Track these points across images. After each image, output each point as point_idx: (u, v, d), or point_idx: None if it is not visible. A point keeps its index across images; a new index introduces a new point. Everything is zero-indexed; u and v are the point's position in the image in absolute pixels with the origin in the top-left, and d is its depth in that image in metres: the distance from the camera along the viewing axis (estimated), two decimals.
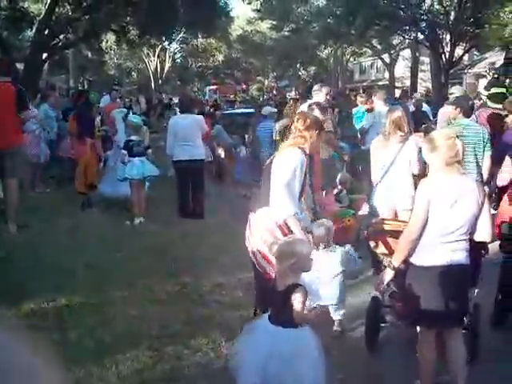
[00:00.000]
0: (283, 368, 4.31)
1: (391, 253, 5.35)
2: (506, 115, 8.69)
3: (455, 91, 11.14)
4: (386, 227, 5.92)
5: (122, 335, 5.75)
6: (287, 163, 5.57)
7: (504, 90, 11.84)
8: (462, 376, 4.94)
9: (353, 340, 6.23)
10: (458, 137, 4.86)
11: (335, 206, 8.28)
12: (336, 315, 6.35)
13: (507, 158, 7.14)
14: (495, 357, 5.89)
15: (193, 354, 5.48)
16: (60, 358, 1.49)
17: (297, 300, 4.24)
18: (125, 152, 10.55)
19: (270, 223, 5.57)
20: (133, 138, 10.61)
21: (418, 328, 5.08)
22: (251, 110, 19.27)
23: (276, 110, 14.86)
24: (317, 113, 7.12)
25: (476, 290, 5.64)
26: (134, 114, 13.73)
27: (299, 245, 4.52)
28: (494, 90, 11.79)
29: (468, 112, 8.18)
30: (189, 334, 5.82)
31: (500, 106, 10.35)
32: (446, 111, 11.09)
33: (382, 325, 6.03)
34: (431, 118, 14.51)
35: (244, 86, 38.68)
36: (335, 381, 5.30)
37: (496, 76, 14.15)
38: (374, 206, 7.46)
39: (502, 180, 7.42)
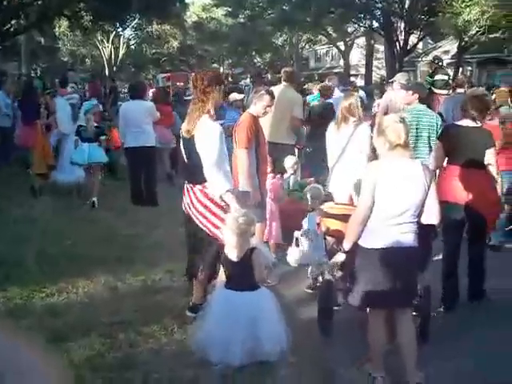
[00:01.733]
0: (245, 330, 4.77)
1: (341, 236, 5.40)
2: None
3: (399, 78, 11.22)
4: (336, 211, 5.97)
5: (73, 323, 5.71)
6: (212, 141, 5.65)
7: (447, 78, 12.23)
8: (412, 358, 5.01)
9: (306, 323, 6.25)
10: (403, 121, 4.91)
11: (281, 190, 8.32)
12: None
13: None
14: (446, 338, 6.01)
15: (145, 341, 5.46)
16: None
17: (257, 262, 4.86)
18: (77, 137, 10.78)
19: (205, 199, 5.76)
20: (83, 123, 10.84)
21: (368, 310, 5.13)
22: None
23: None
24: (267, 99, 7.16)
25: (426, 273, 5.73)
26: (86, 100, 13.58)
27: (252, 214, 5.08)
28: (437, 77, 12.12)
29: (424, 98, 8.28)
30: (141, 320, 5.79)
31: (444, 92, 10.69)
32: (388, 96, 11.28)
33: (335, 308, 6.06)
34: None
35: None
36: (288, 364, 5.35)
37: (440, 64, 14.53)
38: (330, 191, 7.50)
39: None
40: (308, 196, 7.01)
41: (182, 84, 20.90)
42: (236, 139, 6.96)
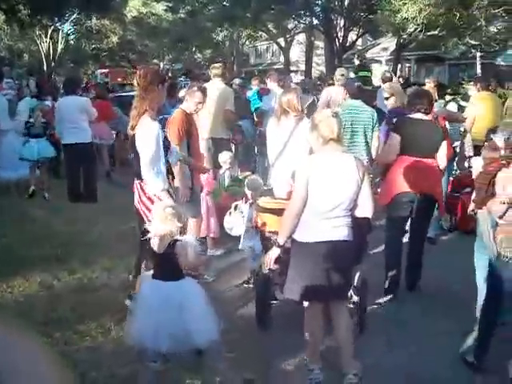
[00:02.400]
0: (171, 318, 4.80)
1: (276, 231, 5.45)
2: (387, 98, 9.05)
3: (338, 73, 11.44)
4: (270, 206, 6.01)
5: (7, 324, 5.59)
6: (148, 140, 5.65)
7: (369, 74, 12.66)
8: (348, 349, 5.09)
9: (243, 318, 6.29)
10: (336, 115, 4.98)
11: (213, 185, 8.38)
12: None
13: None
14: (383, 329, 6.13)
15: (81, 339, 5.40)
16: None
17: (181, 252, 4.94)
18: (26, 132, 11.10)
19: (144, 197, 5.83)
20: (30, 120, 11.13)
21: (305, 304, 5.19)
22: None
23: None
24: (198, 95, 7.21)
25: (362, 266, 5.83)
26: (24, 97, 13.35)
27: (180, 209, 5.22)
28: (361, 74, 12.52)
29: (354, 94, 8.39)
30: (77, 318, 5.73)
31: (367, 87, 11.08)
32: (329, 91, 11.46)
33: (273, 302, 6.10)
34: None
35: (134, 70, 38.33)
36: (225, 359, 5.38)
37: (363, 61, 15.31)
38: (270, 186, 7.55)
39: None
40: (246, 187, 7.08)
41: (121, 80, 20.71)
42: (168, 135, 6.94)
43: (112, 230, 8.45)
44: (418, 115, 7.02)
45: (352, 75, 14.05)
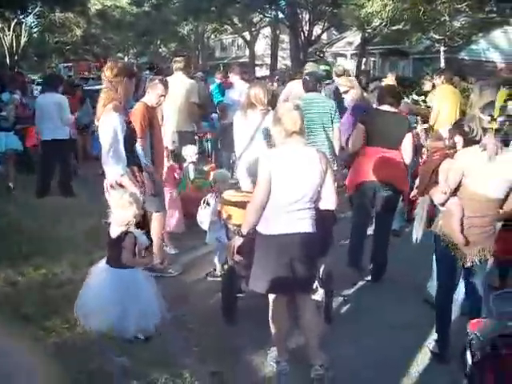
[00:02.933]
0: (115, 302, 5.16)
1: (241, 224, 5.49)
2: (346, 91, 9.18)
3: (308, 68, 11.55)
4: (235, 199, 6.04)
5: None
6: (106, 129, 5.82)
7: (328, 68, 12.97)
8: (314, 340, 5.14)
9: (210, 311, 6.31)
10: (298, 108, 5.01)
11: (175, 179, 8.39)
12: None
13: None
14: (349, 320, 6.23)
15: (48, 335, 5.35)
16: None
17: (127, 247, 5.21)
18: None
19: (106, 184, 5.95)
20: (2, 113, 11.30)
21: (269, 296, 5.22)
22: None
23: None
24: (160, 88, 7.24)
25: (327, 258, 5.89)
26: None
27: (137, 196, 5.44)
28: (322, 68, 12.80)
29: (309, 87, 8.46)
30: (43, 314, 5.66)
31: (326, 81, 11.23)
32: (288, 87, 11.54)
33: (239, 295, 6.12)
34: None
35: (98, 64, 37.82)
36: (191, 353, 5.40)
37: (321, 56, 15.89)
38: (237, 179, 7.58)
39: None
40: (213, 180, 7.10)
41: (85, 74, 20.52)
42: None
43: (78, 225, 8.37)
44: (385, 107, 7.24)
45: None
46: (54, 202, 10.10)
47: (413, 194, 6.72)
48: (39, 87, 19.79)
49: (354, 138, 7.43)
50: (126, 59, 52.15)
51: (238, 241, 5.38)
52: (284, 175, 4.85)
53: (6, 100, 11.66)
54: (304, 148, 4.97)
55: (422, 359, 5.54)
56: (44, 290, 6.24)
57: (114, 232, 5.33)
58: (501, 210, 5.24)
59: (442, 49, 27.24)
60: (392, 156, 7.11)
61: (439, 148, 5.90)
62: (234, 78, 12.31)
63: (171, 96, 8.03)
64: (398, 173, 7.17)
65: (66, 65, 43.82)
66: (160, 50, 58.15)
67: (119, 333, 5.17)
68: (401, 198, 7.72)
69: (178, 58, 10.78)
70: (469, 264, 5.28)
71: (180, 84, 9.87)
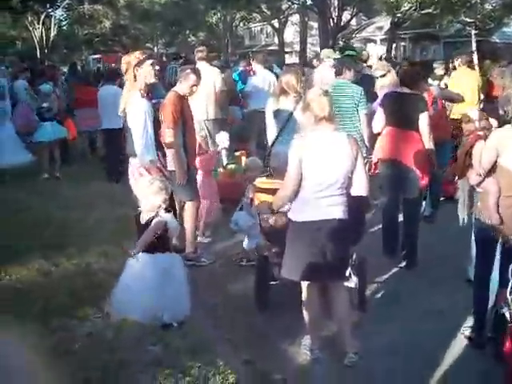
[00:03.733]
0: (152, 290, 5.16)
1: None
2: (383, 75, 9.08)
3: (324, 54, 11.69)
4: (266, 185, 5.99)
5: (5, 311, 5.56)
6: (137, 114, 5.95)
7: (354, 53, 13.04)
8: (347, 328, 5.11)
9: (242, 300, 6.29)
10: (327, 94, 4.94)
11: (212, 165, 8.33)
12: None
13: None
14: (383, 307, 6.17)
15: (80, 325, 5.37)
16: None
17: (149, 230, 5.27)
18: (37, 118, 11.88)
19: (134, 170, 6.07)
20: (44, 105, 11.94)
21: (302, 284, 5.18)
22: None
23: None
24: (193, 78, 7.19)
25: (361, 244, 5.83)
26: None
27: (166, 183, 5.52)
28: (347, 53, 12.88)
29: (340, 72, 8.37)
30: (76, 304, 5.70)
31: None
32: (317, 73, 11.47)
33: (271, 283, 6.08)
34: None
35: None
36: (224, 341, 5.38)
37: (346, 42, 15.78)
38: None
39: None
40: (245, 168, 7.06)
41: (113, 65, 20.58)
42: (162, 118, 6.89)
43: (109, 215, 8.42)
44: (404, 89, 7.36)
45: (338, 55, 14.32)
46: (86, 191, 10.17)
47: (451, 176, 6.70)
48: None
49: (375, 120, 7.58)
50: (155, 49, 52.29)
51: (271, 220, 5.42)
52: (314, 161, 4.80)
53: (47, 91, 12.20)
54: (334, 133, 4.91)
55: (458, 345, 5.45)
56: (77, 280, 6.28)
57: (144, 218, 5.38)
58: None
59: (473, 32, 26.84)
60: (406, 136, 7.19)
61: (471, 131, 5.84)
62: (257, 66, 12.30)
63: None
64: (413, 152, 7.16)
65: (94, 57, 44.08)
66: (189, 39, 58.13)
67: (153, 319, 5.18)
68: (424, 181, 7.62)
69: (200, 48, 10.95)
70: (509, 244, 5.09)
71: (205, 73, 9.88)
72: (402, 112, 7.24)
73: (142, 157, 5.85)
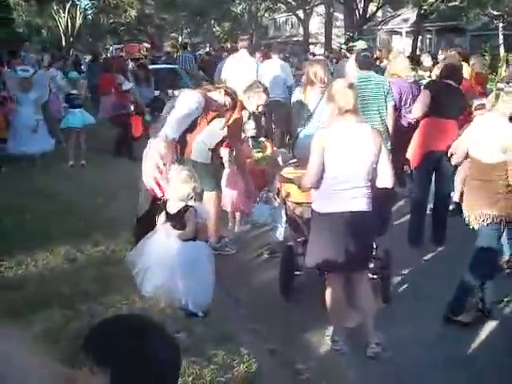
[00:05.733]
0: (179, 276, 5.23)
1: (299, 202, 5.49)
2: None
3: (357, 44, 11.68)
4: (292, 175, 6.00)
5: (32, 296, 5.61)
6: (187, 101, 5.90)
7: (366, 46, 13.50)
8: (370, 319, 5.12)
9: (268, 289, 6.32)
10: (351, 86, 4.93)
11: (250, 152, 8.28)
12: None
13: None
14: (408, 300, 6.16)
15: (106, 311, 5.40)
16: None
17: (190, 220, 5.31)
18: (66, 105, 12.33)
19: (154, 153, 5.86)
20: (73, 91, 12.28)
21: (326, 274, 5.19)
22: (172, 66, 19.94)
23: None
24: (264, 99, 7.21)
25: (386, 236, 5.84)
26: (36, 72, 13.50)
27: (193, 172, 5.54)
28: (352, 44, 13.06)
29: (363, 65, 8.37)
30: (102, 290, 5.73)
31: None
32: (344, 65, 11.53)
33: (297, 273, 6.09)
34: None
35: (148, 45, 38.24)
36: (248, 330, 5.40)
37: (351, 35, 16.16)
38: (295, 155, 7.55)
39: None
40: (279, 159, 7.04)
41: (136, 54, 20.80)
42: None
43: (134, 203, 8.44)
44: (450, 81, 7.47)
45: (343, 47, 14.77)
46: (110, 179, 10.21)
47: None
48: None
49: (420, 103, 7.57)
50: (179, 39, 52.34)
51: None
52: (337, 152, 4.81)
53: (76, 77, 12.72)
54: (357, 125, 4.91)
55: (483, 337, 5.44)
56: (102, 267, 6.33)
57: (175, 206, 5.42)
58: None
59: (501, 25, 26.60)
60: (449, 127, 7.25)
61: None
62: (274, 56, 12.43)
63: (239, 74, 8.14)
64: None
65: (117, 46, 44.29)
66: (214, 29, 58.16)
67: (179, 306, 5.24)
68: None
69: (244, 37, 11.64)
70: (476, 227, 5.51)
71: (246, 61, 10.10)
72: (447, 104, 7.32)
73: (168, 130, 5.80)
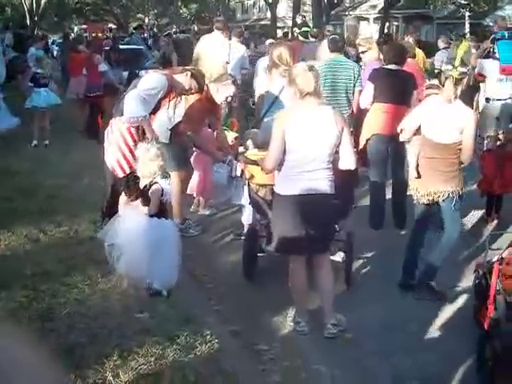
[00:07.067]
0: (146, 252, 5.21)
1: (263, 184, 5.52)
2: (364, 52, 9.29)
3: (330, 28, 11.91)
4: (255, 157, 6.01)
5: None
6: (151, 81, 6.01)
7: (308, 29, 14.22)
8: (329, 300, 5.18)
9: (231, 271, 6.35)
10: (312, 69, 4.95)
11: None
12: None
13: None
14: (370, 282, 6.22)
15: (69, 291, 5.37)
16: None
17: (154, 195, 5.30)
18: (31, 84, 11.96)
19: (122, 130, 6.02)
20: (38, 70, 12.10)
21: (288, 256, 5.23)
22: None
23: None
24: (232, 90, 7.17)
25: (349, 219, 5.90)
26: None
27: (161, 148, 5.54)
28: (303, 29, 13.42)
29: (333, 48, 8.44)
30: (64, 271, 5.69)
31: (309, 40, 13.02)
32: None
33: (260, 255, 6.12)
34: None
35: (113, 25, 37.99)
36: (212, 312, 5.42)
37: (304, 19, 16.59)
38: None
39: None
40: (249, 141, 7.02)
41: (99, 35, 20.55)
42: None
43: (97, 183, 8.38)
44: (392, 66, 7.53)
45: (297, 30, 15.28)
46: (75, 159, 10.12)
47: None
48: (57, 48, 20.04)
49: (366, 93, 7.72)
50: (146, 20, 51.87)
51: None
52: (298, 135, 4.85)
53: (41, 56, 12.70)
54: (318, 107, 4.93)
55: (445, 318, 5.53)
56: (65, 247, 6.28)
57: (142, 183, 5.43)
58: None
59: (467, 14, 26.86)
60: (397, 111, 7.24)
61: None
62: (234, 39, 12.49)
63: (211, 54, 8.19)
64: None
65: (81, 27, 43.80)
66: (181, 11, 57.69)
67: (144, 283, 5.23)
68: None
69: (219, 18, 12.27)
70: (425, 201, 5.79)
71: (219, 42, 10.28)
72: (392, 89, 7.40)
73: (136, 109, 5.81)
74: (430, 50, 17.35)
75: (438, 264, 5.81)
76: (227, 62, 10.36)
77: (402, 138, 6.27)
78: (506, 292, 4.53)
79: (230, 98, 7.20)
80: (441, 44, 13.04)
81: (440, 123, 5.60)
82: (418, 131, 5.87)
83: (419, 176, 5.79)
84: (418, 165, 5.79)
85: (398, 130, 6.16)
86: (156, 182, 5.37)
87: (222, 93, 7.00)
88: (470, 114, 5.74)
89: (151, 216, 5.34)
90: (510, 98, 9.43)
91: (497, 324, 4.47)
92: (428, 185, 5.72)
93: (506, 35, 9.63)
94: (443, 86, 5.70)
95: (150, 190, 5.35)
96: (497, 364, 4.28)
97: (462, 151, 5.59)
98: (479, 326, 4.82)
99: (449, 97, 5.57)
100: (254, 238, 6.11)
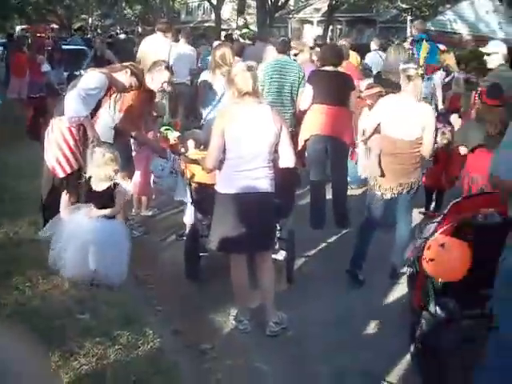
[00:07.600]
0: (96, 252, 5.23)
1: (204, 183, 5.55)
2: (296, 54, 9.50)
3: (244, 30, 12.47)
4: (195, 156, 6.04)
5: None
6: (90, 81, 5.98)
7: (248, 30, 13.90)
8: (270, 298, 5.24)
9: (173, 271, 6.35)
10: (251, 69, 5.01)
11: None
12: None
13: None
14: (311, 281, 6.29)
15: (9, 293, 5.31)
16: None
17: (121, 197, 5.44)
18: None
19: (63, 129, 5.98)
20: None
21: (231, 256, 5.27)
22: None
23: None
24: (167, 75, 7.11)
25: (290, 217, 5.96)
26: None
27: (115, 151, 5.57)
28: (244, 31, 13.72)
29: (280, 49, 8.59)
30: (4, 273, 5.62)
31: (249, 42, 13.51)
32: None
33: (202, 254, 6.13)
34: None
35: (56, 26, 37.48)
36: (154, 312, 5.42)
37: (245, 21, 17.37)
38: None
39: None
40: (189, 142, 6.99)
41: (42, 35, 20.26)
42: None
43: (37, 185, 8.25)
44: (329, 68, 7.69)
45: (238, 32, 15.51)
46: (16, 159, 9.95)
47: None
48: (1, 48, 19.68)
49: (306, 96, 7.78)
50: (90, 21, 51.28)
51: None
52: (237, 134, 4.91)
53: None
54: (257, 106, 5.01)
55: (386, 315, 5.64)
56: (5, 249, 6.18)
57: (99, 186, 5.43)
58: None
59: (409, 18, 27.32)
60: (335, 112, 7.49)
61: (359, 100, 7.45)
62: (182, 40, 12.70)
63: (153, 53, 8.19)
64: (342, 128, 7.56)
65: (22, 27, 43.13)
66: (125, 12, 57.16)
67: (91, 282, 5.26)
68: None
69: (163, 20, 12.75)
70: (388, 196, 6.01)
71: (161, 44, 10.31)
72: (330, 91, 7.54)
73: (76, 108, 5.79)
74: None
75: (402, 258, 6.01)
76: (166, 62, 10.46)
77: (362, 138, 6.48)
78: (425, 275, 4.57)
79: (165, 85, 7.15)
80: (373, 46, 13.30)
81: (401, 120, 5.80)
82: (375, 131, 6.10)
83: (383, 174, 5.96)
84: (379, 162, 5.95)
85: (360, 132, 6.40)
86: (119, 184, 5.44)
87: (157, 79, 6.95)
88: (430, 110, 6.05)
89: (109, 218, 5.39)
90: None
91: (424, 308, 4.55)
92: (392, 179, 5.94)
93: (425, 38, 10.23)
94: (405, 84, 5.86)
95: (117, 191, 5.41)
96: (423, 347, 4.41)
97: (422, 146, 5.87)
98: (412, 312, 4.93)
99: (418, 95, 5.83)
100: (195, 238, 6.13)
